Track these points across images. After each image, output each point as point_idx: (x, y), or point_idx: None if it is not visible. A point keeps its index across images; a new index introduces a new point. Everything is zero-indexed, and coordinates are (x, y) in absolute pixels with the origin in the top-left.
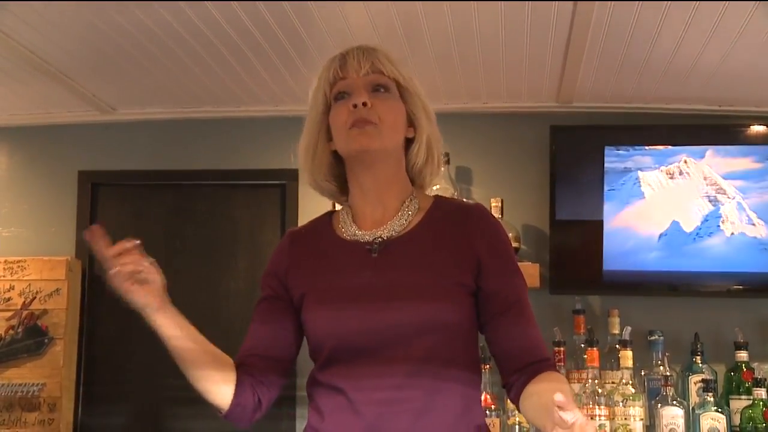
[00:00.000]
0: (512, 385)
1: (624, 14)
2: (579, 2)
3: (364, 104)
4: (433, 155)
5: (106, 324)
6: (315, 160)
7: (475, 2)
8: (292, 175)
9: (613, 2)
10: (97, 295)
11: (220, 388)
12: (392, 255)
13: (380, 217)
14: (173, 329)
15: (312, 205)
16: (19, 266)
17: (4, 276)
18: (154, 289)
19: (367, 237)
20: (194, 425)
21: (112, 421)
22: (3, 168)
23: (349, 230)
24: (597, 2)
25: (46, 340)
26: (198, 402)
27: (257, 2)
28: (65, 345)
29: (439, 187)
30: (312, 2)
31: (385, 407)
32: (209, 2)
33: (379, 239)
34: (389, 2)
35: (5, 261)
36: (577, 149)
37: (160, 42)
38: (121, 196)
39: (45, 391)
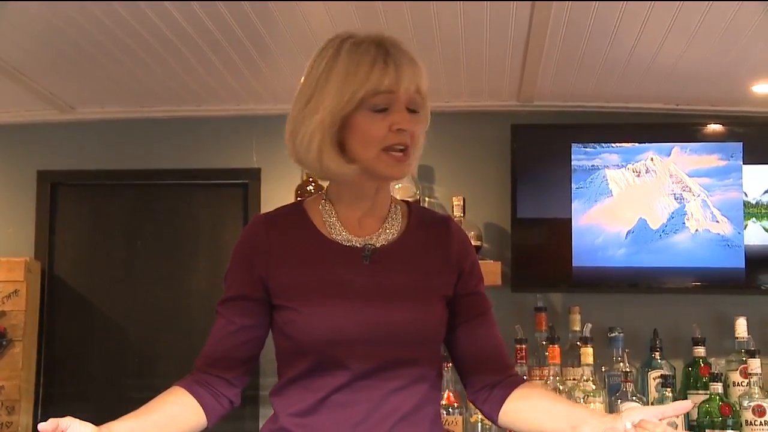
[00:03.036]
0: (486, 399)
1: (582, 13)
2: (537, 2)
3: (402, 131)
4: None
5: (66, 325)
6: (312, 148)
7: (434, 2)
8: (254, 174)
9: (570, 2)
10: (57, 297)
11: (191, 423)
12: (384, 262)
13: (371, 223)
14: None
15: (274, 204)
16: None
17: None
18: None
19: (360, 242)
20: None
21: None
22: None
23: (338, 232)
24: (555, 2)
25: (4, 342)
26: None
27: (216, 1)
28: (24, 347)
29: (401, 186)
30: (271, 2)
31: (371, 411)
32: (168, 1)
33: (371, 246)
34: (349, 2)
35: None
36: (541, 147)
37: (119, 40)
38: (81, 195)
39: (3, 394)
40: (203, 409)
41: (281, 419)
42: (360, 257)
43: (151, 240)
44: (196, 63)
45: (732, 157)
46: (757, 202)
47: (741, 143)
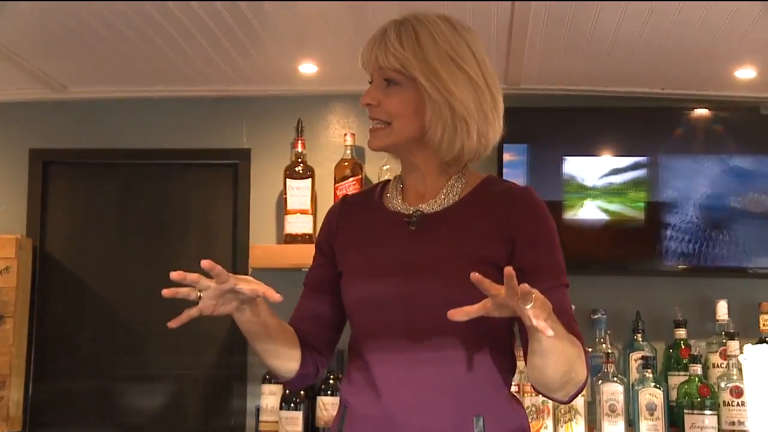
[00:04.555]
0: None
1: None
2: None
3: (369, 104)
4: (460, 132)
5: (57, 302)
6: None
7: None
8: (245, 154)
9: None
10: (48, 274)
11: (287, 365)
12: (428, 229)
13: (424, 192)
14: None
15: (264, 184)
16: None
17: None
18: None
19: (409, 210)
20: (145, 402)
21: (63, 398)
22: None
23: (393, 202)
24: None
25: None
26: (148, 379)
27: None
28: (15, 323)
29: (389, 167)
30: None
31: (404, 382)
32: None
33: (418, 213)
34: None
35: None
36: (528, 131)
37: (109, 22)
38: (73, 174)
39: None
40: (300, 360)
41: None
42: (405, 223)
43: (142, 219)
44: (186, 44)
45: None
46: None
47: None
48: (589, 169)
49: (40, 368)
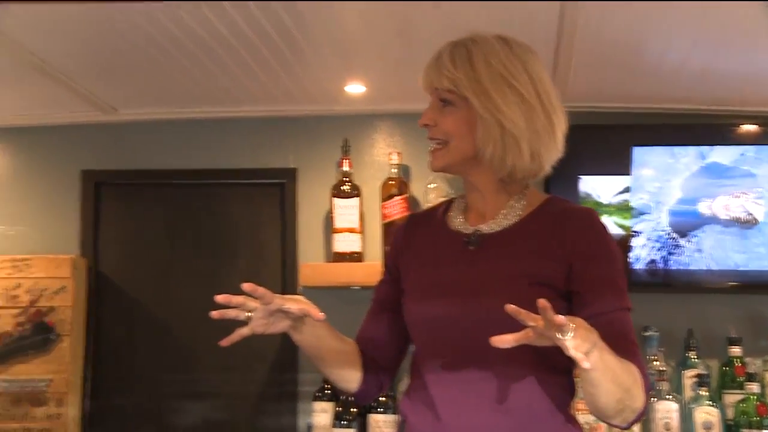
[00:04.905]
0: None
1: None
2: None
3: (426, 125)
4: (510, 149)
5: (111, 320)
6: None
7: (467, 1)
8: (290, 174)
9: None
10: (102, 293)
11: (346, 382)
12: (487, 249)
13: (484, 212)
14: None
15: (311, 203)
16: (25, 264)
17: (11, 274)
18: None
19: (469, 230)
20: (196, 419)
21: (118, 415)
22: (8, 168)
23: (455, 221)
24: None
25: (52, 337)
26: (200, 396)
27: (249, 2)
28: (71, 341)
29: (435, 186)
30: (302, 1)
31: (459, 400)
32: (204, 2)
33: (478, 233)
34: (381, 2)
35: (12, 259)
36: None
37: (158, 45)
38: (124, 194)
39: (52, 387)
40: (362, 374)
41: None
42: (464, 243)
43: (191, 238)
44: (233, 65)
45: None
46: None
47: None
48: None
49: (95, 385)
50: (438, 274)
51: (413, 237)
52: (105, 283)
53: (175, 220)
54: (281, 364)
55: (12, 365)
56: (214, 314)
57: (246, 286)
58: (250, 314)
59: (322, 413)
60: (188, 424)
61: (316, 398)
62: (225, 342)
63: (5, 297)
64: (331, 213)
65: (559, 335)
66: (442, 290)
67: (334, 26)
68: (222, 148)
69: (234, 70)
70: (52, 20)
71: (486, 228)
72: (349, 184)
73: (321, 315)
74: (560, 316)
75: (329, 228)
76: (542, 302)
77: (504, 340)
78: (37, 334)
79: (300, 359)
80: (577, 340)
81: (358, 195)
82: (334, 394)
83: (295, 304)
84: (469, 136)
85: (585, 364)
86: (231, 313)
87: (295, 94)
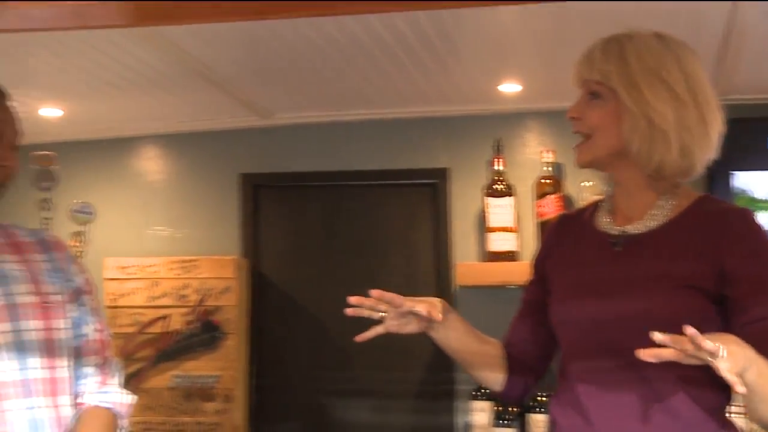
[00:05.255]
0: None
1: None
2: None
3: (573, 118)
4: (657, 144)
5: (272, 319)
6: None
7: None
8: (442, 174)
9: None
10: (263, 293)
11: (489, 382)
12: (633, 250)
13: (631, 212)
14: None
15: (463, 203)
16: (192, 265)
17: (180, 275)
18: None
19: (615, 231)
20: (355, 416)
21: (280, 412)
22: (172, 172)
23: (602, 221)
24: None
25: (219, 335)
26: (358, 394)
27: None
28: (237, 339)
29: (590, 184)
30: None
31: (608, 404)
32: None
33: (624, 234)
34: (540, 2)
35: (181, 260)
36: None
37: (318, 48)
38: (281, 196)
39: (220, 383)
40: (506, 374)
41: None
42: (610, 244)
43: (346, 238)
44: (390, 67)
45: None
46: None
47: None
48: None
49: (258, 382)
50: (583, 276)
51: (562, 237)
52: (265, 283)
53: (330, 221)
54: (438, 362)
55: (183, 362)
56: (349, 311)
57: (374, 293)
58: (383, 314)
59: (480, 412)
60: (347, 421)
61: (474, 397)
62: (360, 338)
63: (175, 296)
64: (484, 212)
65: (709, 358)
66: (586, 292)
67: (491, 25)
68: (375, 150)
69: (390, 72)
70: (216, 28)
71: (632, 229)
72: (502, 183)
73: (438, 317)
74: (710, 342)
75: (482, 228)
76: (690, 331)
77: (650, 354)
78: (205, 332)
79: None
80: (730, 362)
81: (511, 194)
82: (493, 394)
83: (423, 305)
84: (615, 129)
85: (739, 388)
86: (364, 312)
87: (449, 95)
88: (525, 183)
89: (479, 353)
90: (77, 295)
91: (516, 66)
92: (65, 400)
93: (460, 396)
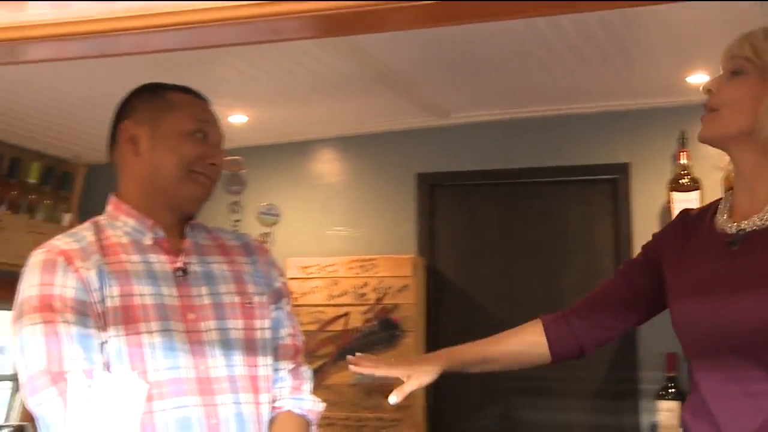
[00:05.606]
0: None
1: None
2: None
3: (709, 91)
4: None
5: (448, 317)
6: None
7: None
8: (623, 169)
9: None
10: (439, 291)
11: (533, 358)
12: (751, 248)
13: (748, 207)
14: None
15: (645, 198)
16: (371, 264)
17: (359, 273)
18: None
19: (732, 228)
20: (536, 416)
21: (459, 408)
22: (351, 173)
23: (720, 219)
24: None
25: (398, 333)
26: (539, 393)
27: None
28: (415, 337)
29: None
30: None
31: (735, 405)
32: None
33: (741, 232)
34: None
35: (359, 260)
36: None
37: (500, 46)
38: (457, 196)
39: (399, 380)
40: (548, 345)
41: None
42: (727, 243)
43: (523, 236)
44: (573, 63)
45: None
46: None
47: None
48: None
49: (437, 380)
50: (701, 276)
51: (683, 233)
52: (441, 281)
53: (506, 219)
54: (621, 361)
55: None
56: (351, 367)
57: (351, 361)
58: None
59: (667, 412)
60: (526, 420)
61: (660, 397)
62: (393, 399)
63: (354, 295)
64: (669, 207)
65: None
66: (703, 291)
67: (678, 15)
68: (552, 146)
69: (574, 68)
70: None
71: (749, 225)
72: (688, 177)
73: (414, 385)
74: None
75: (665, 224)
76: None
77: None
78: (383, 330)
79: (640, 357)
80: None
81: (698, 188)
82: (680, 393)
83: (401, 369)
84: (749, 109)
85: None
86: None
87: (633, 88)
88: (711, 177)
89: (498, 360)
90: (277, 298)
91: (707, 56)
92: (265, 398)
93: (645, 395)
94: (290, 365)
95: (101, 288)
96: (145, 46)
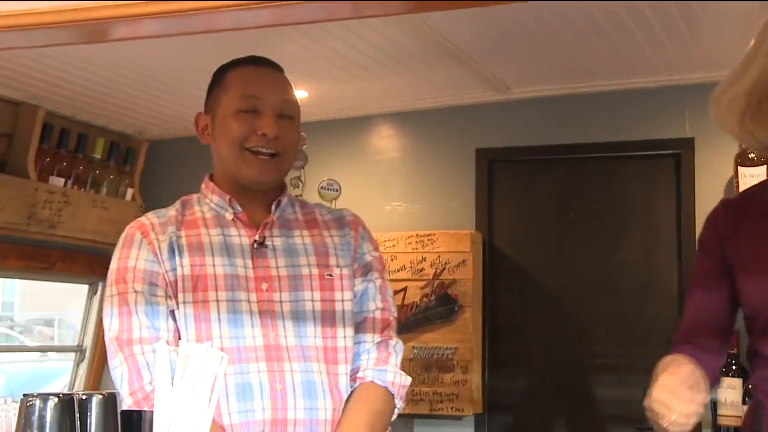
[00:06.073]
0: None
1: None
2: None
3: None
4: None
5: (506, 293)
6: (732, 111)
7: None
8: (687, 144)
9: None
10: (497, 266)
11: None
12: None
13: None
14: None
15: (709, 173)
16: (429, 239)
17: (416, 249)
18: None
19: None
20: (593, 392)
21: (516, 384)
22: (409, 149)
23: None
24: None
25: (455, 308)
26: (595, 370)
27: None
28: (473, 312)
29: None
30: None
31: None
32: None
33: None
34: None
35: (417, 234)
36: None
37: (565, 19)
38: (516, 171)
39: (457, 355)
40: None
41: None
42: None
43: (582, 212)
44: (638, 35)
45: None
46: None
47: None
48: None
49: (493, 355)
50: (764, 257)
51: (733, 221)
52: (499, 256)
53: (565, 195)
54: None
55: (420, 334)
56: None
57: None
58: None
59: (729, 389)
60: (585, 395)
61: (723, 374)
62: None
63: (412, 270)
64: (736, 182)
65: None
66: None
67: None
68: (613, 121)
69: (638, 40)
70: None
71: None
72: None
73: None
74: None
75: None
76: None
77: None
78: (441, 305)
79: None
80: None
81: (766, 162)
82: (743, 370)
83: None
84: None
85: None
86: None
87: (695, 60)
88: None
89: None
90: (366, 271)
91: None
92: (342, 368)
93: None
94: (377, 338)
95: (171, 258)
96: (216, 24)
